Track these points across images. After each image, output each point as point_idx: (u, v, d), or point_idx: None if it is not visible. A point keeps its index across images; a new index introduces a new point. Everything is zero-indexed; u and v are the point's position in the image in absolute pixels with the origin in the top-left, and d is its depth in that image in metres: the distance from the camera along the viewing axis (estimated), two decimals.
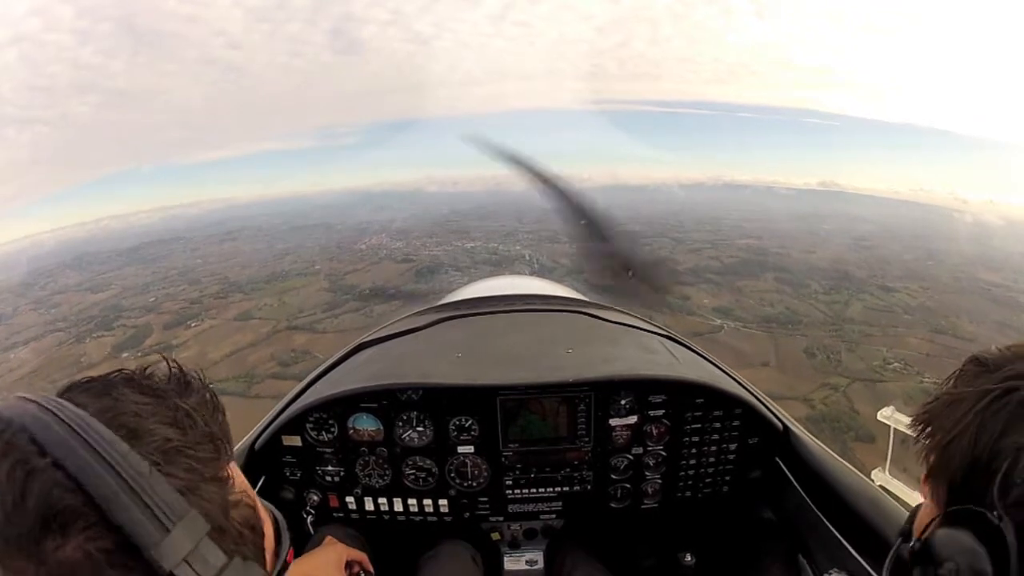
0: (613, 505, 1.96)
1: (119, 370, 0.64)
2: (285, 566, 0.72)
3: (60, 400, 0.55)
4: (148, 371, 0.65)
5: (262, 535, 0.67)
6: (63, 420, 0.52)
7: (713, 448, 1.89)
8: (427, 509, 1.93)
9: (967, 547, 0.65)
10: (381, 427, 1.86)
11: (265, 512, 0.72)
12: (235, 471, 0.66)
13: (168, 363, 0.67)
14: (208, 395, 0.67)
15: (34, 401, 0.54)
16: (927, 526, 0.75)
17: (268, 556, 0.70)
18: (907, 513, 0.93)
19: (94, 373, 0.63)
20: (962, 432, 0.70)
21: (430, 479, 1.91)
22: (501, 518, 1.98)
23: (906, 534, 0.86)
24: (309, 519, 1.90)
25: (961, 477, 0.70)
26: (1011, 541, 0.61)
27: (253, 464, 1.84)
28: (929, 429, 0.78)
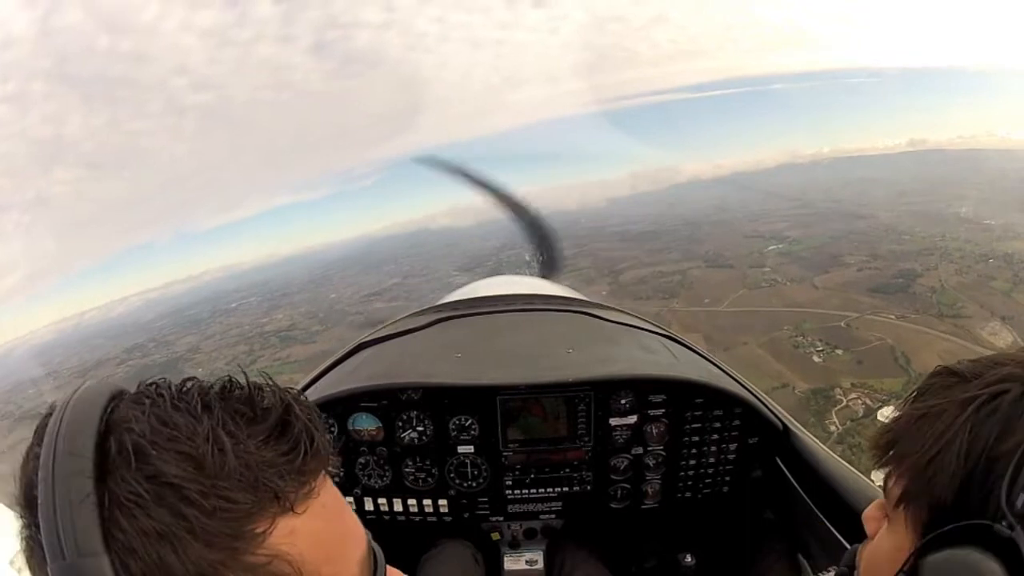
0: (613, 505, 1.96)
1: (190, 378, 0.58)
2: None
3: (98, 396, 0.54)
4: (226, 385, 0.58)
5: None
6: (64, 418, 0.52)
7: (713, 448, 1.89)
8: (427, 509, 1.93)
9: (976, 565, 0.55)
10: (381, 427, 1.86)
11: (353, 571, 0.65)
12: (295, 526, 0.55)
13: (247, 380, 0.59)
14: (292, 429, 0.57)
15: (85, 392, 0.54)
16: (910, 556, 0.64)
17: None
18: None
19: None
20: (947, 445, 0.63)
21: (430, 479, 1.91)
22: (501, 518, 1.98)
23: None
24: None
25: (953, 494, 0.62)
26: None
27: None
28: (897, 451, 0.71)
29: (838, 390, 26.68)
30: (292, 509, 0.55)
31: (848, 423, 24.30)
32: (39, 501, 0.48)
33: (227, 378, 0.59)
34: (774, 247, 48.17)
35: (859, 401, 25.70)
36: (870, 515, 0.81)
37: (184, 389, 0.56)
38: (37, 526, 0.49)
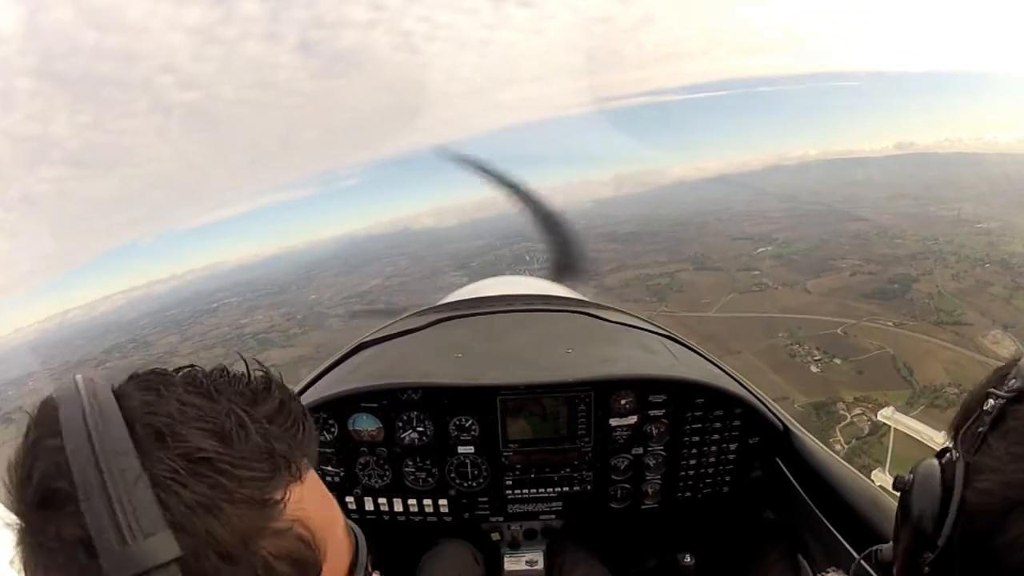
0: (613, 505, 1.96)
1: (191, 366, 0.63)
2: None
3: (103, 387, 0.56)
4: (222, 372, 0.63)
5: (309, 568, 0.61)
6: (87, 407, 0.52)
7: (713, 448, 1.89)
8: (427, 509, 1.93)
9: (925, 466, 0.76)
10: (381, 427, 1.86)
11: (342, 538, 0.69)
12: (303, 494, 0.60)
13: (247, 366, 0.64)
14: (290, 408, 0.63)
15: (85, 383, 0.55)
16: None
17: None
18: None
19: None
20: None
21: (430, 479, 1.90)
22: (501, 518, 1.98)
23: None
24: None
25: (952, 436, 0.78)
26: (959, 463, 0.68)
27: None
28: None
29: (840, 404, 25.19)
30: (300, 478, 0.61)
31: (854, 441, 22.96)
32: (80, 490, 0.48)
33: (221, 366, 0.65)
34: (764, 249, 46.59)
35: (864, 417, 24.09)
36: None
37: (189, 375, 0.61)
38: (67, 518, 0.49)
